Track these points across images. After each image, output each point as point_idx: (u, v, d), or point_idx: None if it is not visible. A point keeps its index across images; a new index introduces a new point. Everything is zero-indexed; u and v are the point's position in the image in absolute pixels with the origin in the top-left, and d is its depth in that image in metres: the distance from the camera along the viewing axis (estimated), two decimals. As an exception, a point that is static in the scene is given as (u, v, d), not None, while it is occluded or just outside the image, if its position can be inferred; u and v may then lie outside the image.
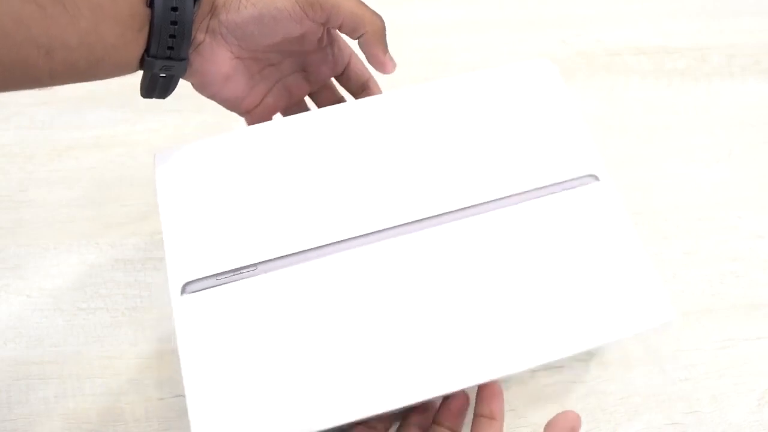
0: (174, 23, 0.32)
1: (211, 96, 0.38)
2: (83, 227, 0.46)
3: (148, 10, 0.32)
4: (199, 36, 0.35)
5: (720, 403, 0.39)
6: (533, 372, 0.40)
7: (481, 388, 0.35)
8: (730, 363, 0.41)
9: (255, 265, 0.34)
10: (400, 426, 0.36)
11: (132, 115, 0.54)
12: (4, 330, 0.42)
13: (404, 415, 0.37)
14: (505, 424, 0.38)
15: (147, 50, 0.33)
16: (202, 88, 0.38)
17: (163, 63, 0.33)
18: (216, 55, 0.36)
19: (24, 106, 0.54)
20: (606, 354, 0.41)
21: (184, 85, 0.38)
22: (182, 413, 0.39)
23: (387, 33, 0.38)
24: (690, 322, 0.42)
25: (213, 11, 0.35)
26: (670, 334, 0.42)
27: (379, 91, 0.43)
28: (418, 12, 0.62)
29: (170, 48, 0.33)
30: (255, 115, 0.40)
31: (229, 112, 0.40)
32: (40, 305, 0.43)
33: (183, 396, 0.39)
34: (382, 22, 0.37)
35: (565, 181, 0.37)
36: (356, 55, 0.42)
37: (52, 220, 0.47)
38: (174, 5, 0.32)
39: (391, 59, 0.38)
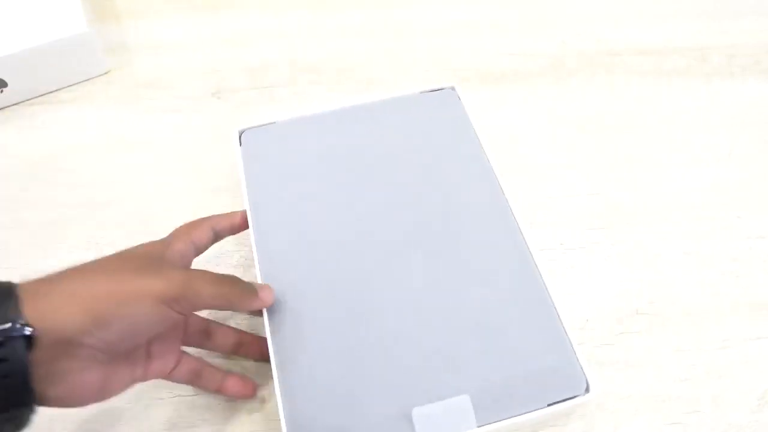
0: (4, 377, 0.26)
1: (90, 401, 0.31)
2: (83, 227, 0.46)
3: None
4: (56, 367, 0.28)
5: (720, 403, 0.39)
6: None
7: None
8: (730, 363, 0.41)
9: None
10: None
11: (133, 116, 0.54)
12: (4, 330, 0.42)
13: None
14: (504, 423, 0.38)
15: None
16: (72, 403, 0.31)
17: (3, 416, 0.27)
18: (83, 377, 0.29)
19: (24, 106, 0.54)
20: (606, 354, 0.41)
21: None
22: (182, 413, 0.39)
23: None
24: (690, 322, 0.42)
25: (65, 344, 0.28)
26: (670, 334, 0.42)
27: (255, 346, 0.39)
28: (418, 13, 0.62)
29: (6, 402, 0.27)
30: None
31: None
32: (41, 305, 0.43)
33: (182, 396, 0.40)
34: (238, 282, 0.34)
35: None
36: (215, 323, 0.39)
37: (52, 220, 0.47)
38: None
39: (265, 293, 0.35)
